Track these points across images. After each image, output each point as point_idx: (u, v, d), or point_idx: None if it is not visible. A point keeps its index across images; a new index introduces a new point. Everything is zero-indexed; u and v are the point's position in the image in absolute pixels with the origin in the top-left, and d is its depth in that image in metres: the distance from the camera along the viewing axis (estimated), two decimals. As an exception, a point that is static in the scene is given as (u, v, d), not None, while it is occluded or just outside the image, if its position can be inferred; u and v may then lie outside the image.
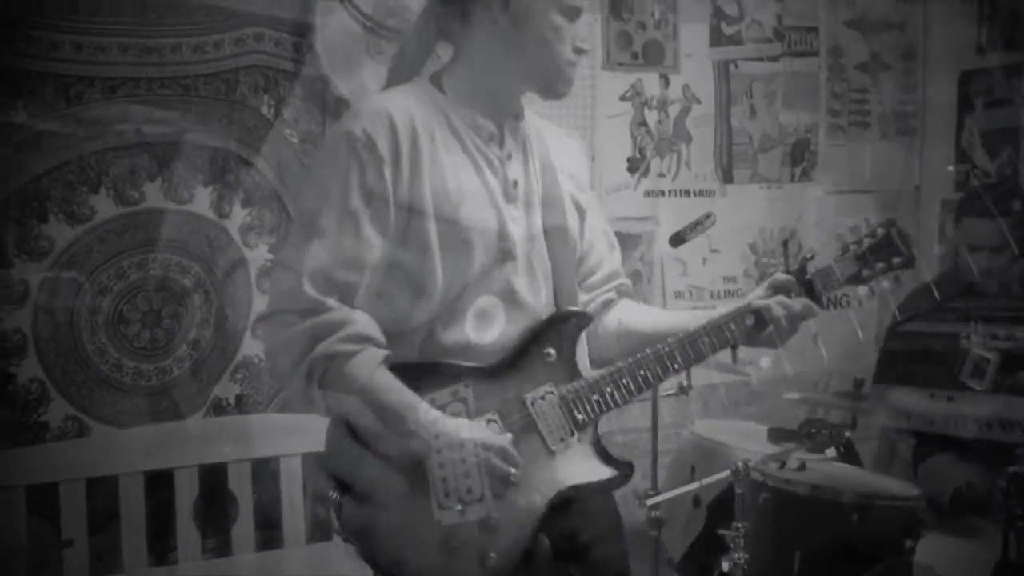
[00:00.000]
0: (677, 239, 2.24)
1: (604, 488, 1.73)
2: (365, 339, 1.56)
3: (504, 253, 1.67)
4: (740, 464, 2.22)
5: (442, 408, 1.60)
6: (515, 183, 1.72)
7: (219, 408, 2.54)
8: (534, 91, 1.72)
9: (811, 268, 1.76)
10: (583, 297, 1.82)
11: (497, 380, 1.66)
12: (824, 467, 2.41)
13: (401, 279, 1.64)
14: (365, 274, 1.59)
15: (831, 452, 2.42)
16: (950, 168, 3.53)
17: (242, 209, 2.50)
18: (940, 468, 2.61)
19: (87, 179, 2.35)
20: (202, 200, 2.47)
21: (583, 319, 1.74)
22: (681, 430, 2.85)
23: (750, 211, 3.29)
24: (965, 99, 3.56)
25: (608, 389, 1.68)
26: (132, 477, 2.35)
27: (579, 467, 1.67)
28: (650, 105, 3.09)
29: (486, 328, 1.68)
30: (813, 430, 2.45)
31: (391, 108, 1.62)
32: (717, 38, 3.20)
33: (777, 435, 2.55)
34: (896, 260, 1.76)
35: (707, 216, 2.32)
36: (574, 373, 1.69)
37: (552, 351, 1.69)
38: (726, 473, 2.25)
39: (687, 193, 3.18)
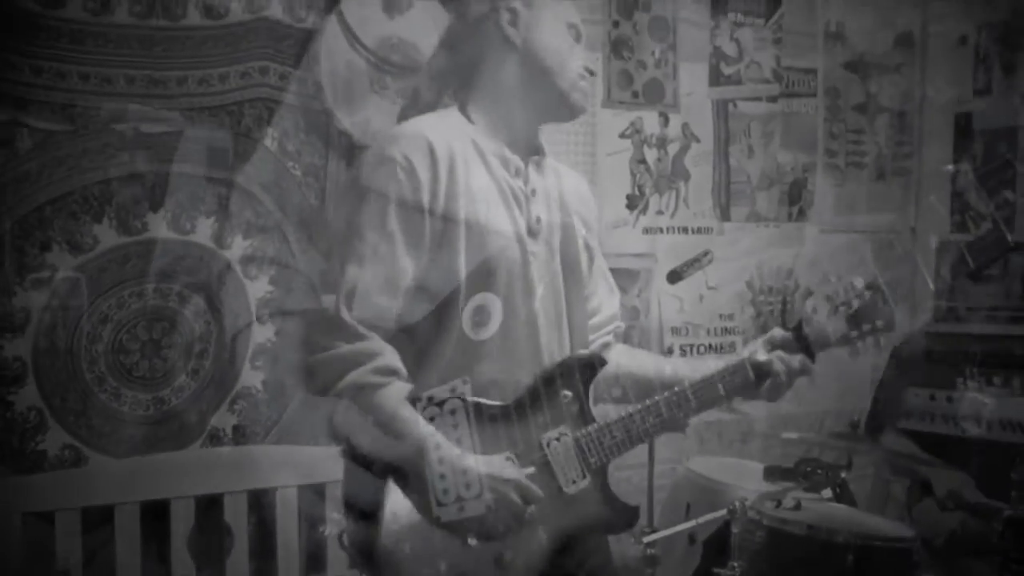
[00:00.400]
0: (675, 276, 2.25)
1: (610, 531, 1.76)
2: (392, 372, 1.59)
3: (526, 289, 1.70)
4: (737, 503, 2.23)
5: (439, 404, 1.63)
6: (538, 219, 1.74)
7: (216, 439, 2.53)
8: (552, 113, 1.78)
9: (806, 327, 1.80)
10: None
11: (514, 418, 1.68)
12: (820, 507, 2.41)
13: (425, 311, 1.66)
14: (399, 298, 1.62)
15: (827, 492, 2.43)
16: (948, 167, 3.53)
17: (243, 240, 2.51)
18: (935, 510, 2.62)
19: (90, 208, 2.36)
20: (204, 230, 2.47)
21: (599, 362, 1.76)
22: (676, 466, 2.85)
23: (747, 249, 3.32)
24: (960, 141, 3.60)
25: (620, 435, 1.71)
26: (128, 507, 2.34)
27: (588, 509, 1.69)
28: (650, 143, 3.12)
29: (484, 324, 1.69)
30: (809, 469, 2.46)
31: (429, 134, 1.65)
32: (716, 78, 3.23)
33: (773, 473, 2.56)
34: (880, 324, 1.80)
35: (705, 253, 2.34)
36: (587, 416, 1.71)
37: (569, 393, 1.71)
38: (723, 512, 2.26)
39: (685, 230, 3.20)
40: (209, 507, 2.47)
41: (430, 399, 1.63)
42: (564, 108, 1.76)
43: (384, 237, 1.60)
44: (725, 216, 3.29)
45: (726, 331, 3.27)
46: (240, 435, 2.57)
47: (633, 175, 3.11)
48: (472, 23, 1.75)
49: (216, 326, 2.50)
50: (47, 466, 2.32)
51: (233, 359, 2.53)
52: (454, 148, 1.66)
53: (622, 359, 1.88)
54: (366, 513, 1.60)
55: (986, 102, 3.49)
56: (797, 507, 2.36)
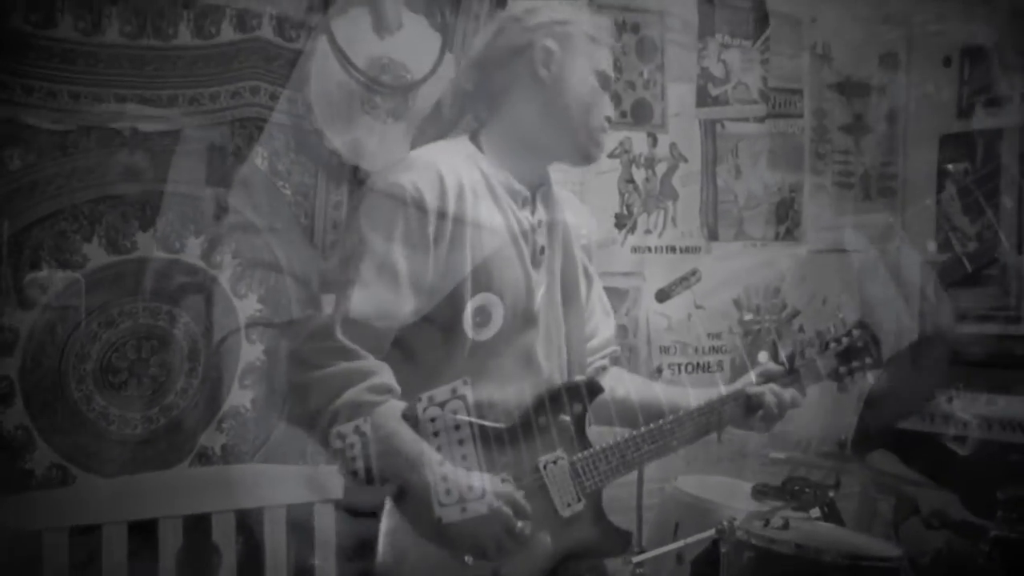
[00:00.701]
0: (663, 295, 2.26)
1: (603, 555, 1.77)
2: (388, 390, 1.59)
3: (528, 317, 1.71)
4: (725, 522, 2.23)
5: (440, 405, 1.63)
6: (542, 249, 1.76)
7: (205, 458, 2.53)
8: (565, 157, 1.80)
9: (798, 361, 1.86)
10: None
11: (511, 441, 1.70)
12: (808, 526, 2.42)
13: (428, 335, 1.67)
14: (396, 321, 1.63)
15: (815, 511, 2.43)
16: (949, 166, 3.54)
17: (233, 259, 2.51)
18: (921, 528, 2.63)
19: (80, 227, 2.36)
20: (193, 249, 2.48)
21: (597, 388, 1.77)
22: (665, 486, 2.86)
23: (735, 268, 3.33)
24: (945, 162, 3.62)
25: (615, 460, 1.73)
26: (116, 526, 2.33)
27: (582, 532, 1.71)
28: (638, 163, 3.13)
29: (485, 325, 1.70)
30: (797, 488, 2.47)
31: (440, 164, 1.66)
32: (704, 99, 3.26)
33: (761, 492, 2.56)
34: (868, 361, 1.87)
35: (693, 272, 2.35)
36: (584, 441, 1.73)
37: (567, 418, 1.73)
38: (711, 531, 2.26)
39: (673, 250, 3.22)
40: (197, 526, 2.46)
41: (431, 399, 1.63)
42: (577, 155, 1.78)
43: (387, 265, 1.61)
44: (713, 235, 3.31)
45: (714, 350, 3.29)
46: (229, 454, 2.57)
47: (621, 194, 3.13)
48: (505, 52, 1.76)
49: (205, 345, 2.50)
50: (34, 485, 2.31)
51: (222, 378, 2.53)
52: (463, 178, 1.67)
53: (617, 385, 1.91)
54: (363, 535, 1.62)
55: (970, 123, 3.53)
56: (785, 526, 2.36)
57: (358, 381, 1.57)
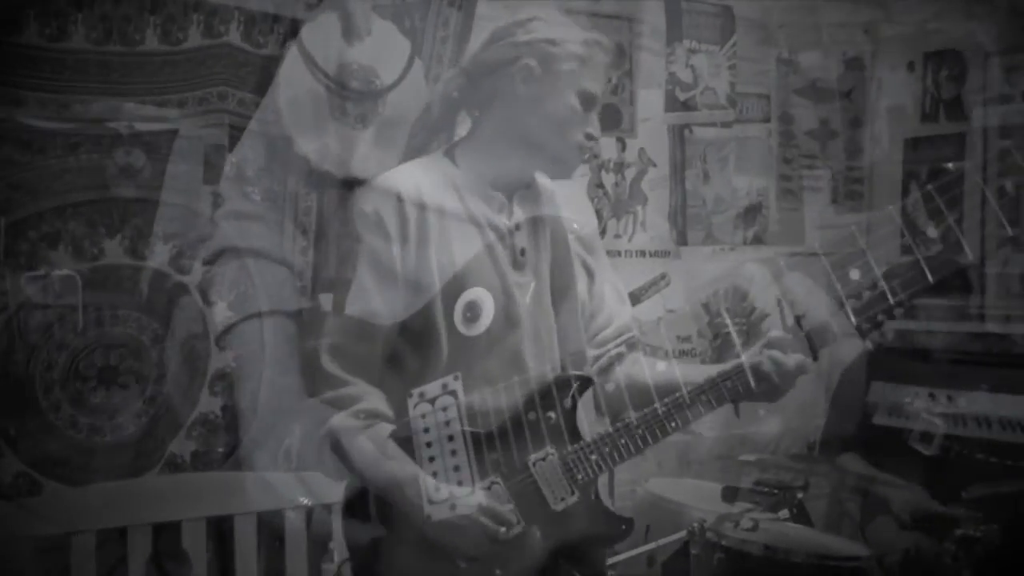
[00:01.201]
0: (633, 299, 2.27)
1: (605, 543, 1.78)
2: (375, 415, 1.65)
3: (511, 321, 1.72)
4: (696, 524, 2.25)
5: (431, 402, 1.65)
6: (523, 251, 1.77)
7: (174, 465, 2.51)
8: (541, 169, 1.81)
9: (806, 324, 1.76)
10: (594, 352, 1.86)
11: (500, 442, 1.70)
12: (777, 527, 2.44)
13: (411, 350, 1.70)
14: (377, 344, 1.69)
15: (784, 513, 2.46)
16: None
17: (202, 266, 2.50)
18: (890, 528, 2.65)
19: (46, 235, 2.35)
20: (161, 256, 2.46)
21: (585, 383, 1.75)
22: (636, 488, 2.87)
23: (704, 272, 3.35)
24: (910, 165, 3.66)
25: (607, 449, 1.71)
26: (84, 535, 2.32)
27: (580, 524, 1.71)
28: (607, 168, 3.15)
29: (475, 320, 1.71)
30: (766, 490, 2.49)
31: (400, 186, 1.71)
32: (672, 104, 3.27)
33: (731, 494, 2.58)
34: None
35: (662, 277, 2.36)
36: (574, 434, 1.72)
37: (553, 414, 1.72)
38: (682, 533, 2.28)
39: (643, 254, 3.23)
40: (167, 534, 2.45)
41: (422, 395, 1.65)
42: (550, 168, 1.80)
43: (359, 290, 1.69)
44: (682, 240, 3.32)
45: (683, 353, 3.30)
46: (199, 461, 2.55)
47: (591, 199, 3.14)
48: (491, 64, 1.79)
49: (174, 353, 2.49)
50: (1, 495, 2.29)
51: (191, 385, 2.51)
52: (427, 196, 1.71)
53: (631, 370, 1.88)
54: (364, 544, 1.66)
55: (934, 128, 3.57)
56: (755, 528, 2.38)
57: (346, 406, 1.64)
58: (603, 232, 3.24)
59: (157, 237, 2.43)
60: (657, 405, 1.71)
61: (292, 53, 2.52)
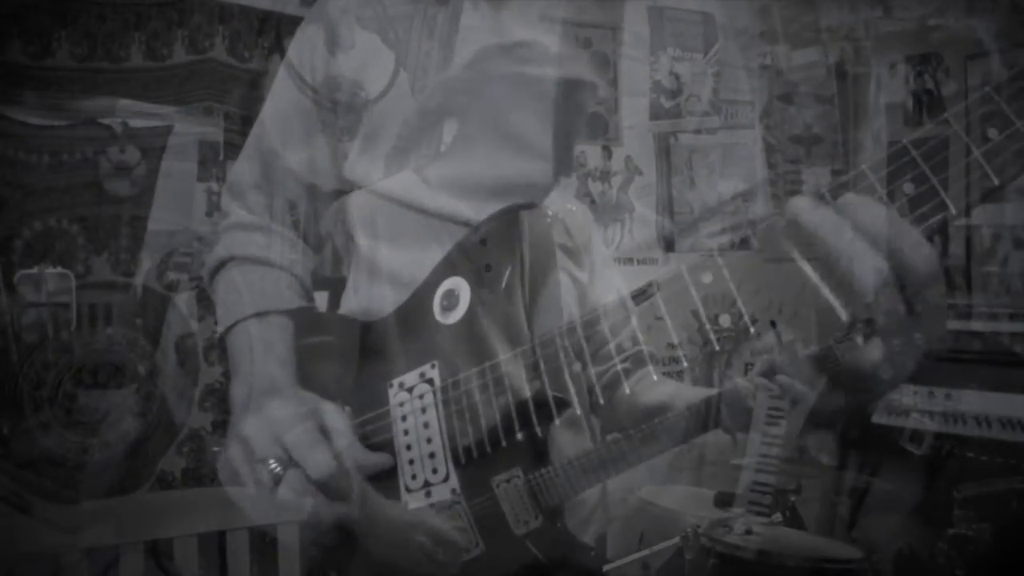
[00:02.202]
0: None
1: (565, 570, 1.75)
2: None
3: (473, 339, 1.71)
4: (689, 530, 2.25)
5: (409, 390, 1.66)
6: (488, 267, 1.75)
7: (165, 482, 2.50)
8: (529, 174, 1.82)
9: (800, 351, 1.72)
10: (597, 369, 1.77)
11: (470, 458, 1.66)
12: (770, 531, 2.43)
13: (391, 341, 1.72)
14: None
15: (777, 516, 2.45)
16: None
17: (190, 282, 2.49)
18: (881, 529, 2.66)
19: (34, 252, 2.34)
20: (149, 273, 2.46)
21: (561, 405, 1.70)
22: (629, 496, 2.86)
23: (692, 279, 3.34)
24: (895, 168, 3.68)
25: (575, 475, 1.70)
26: (74, 554, 2.30)
27: (541, 549, 1.68)
28: (594, 176, 3.16)
29: (452, 308, 1.70)
30: (758, 494, 2.48)
31: (352, 209, 1.82)
32: (657, 111, 3.29)
33: (723, 500, 2.57)
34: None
35: (650, 284, 2.36)
36: (543, 457, 1.70)
37: (521, 436, 1.66)
38: (675, 539, 2.27)
39: (631, 262, 3.24)
40: (158, 552, 2.43)
41: (401, 384, 1.66)
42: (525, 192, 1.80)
43: (353, 286, 1.79)
44: (669, 247, 3.33)
45: (673, 360, 3.29)
46: (189, 478, 2.55)
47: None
48: (469, 83, 1.83)
49: (163, 369, 2.48)
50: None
51: (181, 401, 2.51)
52: (380, 218, 1.79)
53: (636, 387, 1.88)
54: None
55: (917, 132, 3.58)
56: (748, 532, 2.38)
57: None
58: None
59: (148, 247, 2.43)
60: (633, 431, 1.72)
61: (276, 66, 2.51)
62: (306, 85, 2.29)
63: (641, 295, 2.32)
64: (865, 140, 3.77)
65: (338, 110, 2.19)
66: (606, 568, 2.46)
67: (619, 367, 1.90)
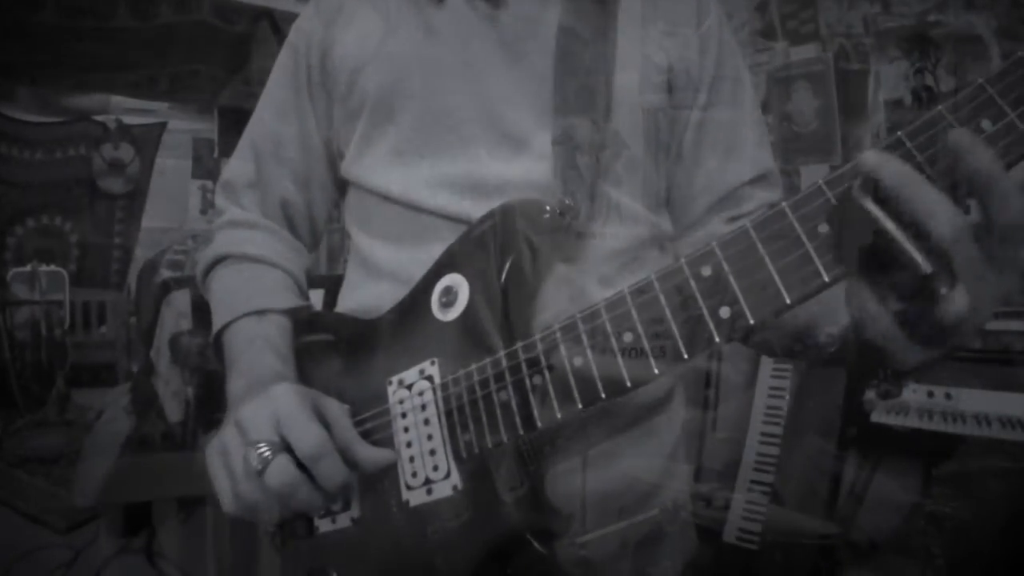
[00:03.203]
0: (606, 282, 2.26)
1: (546, 537, 1.76)
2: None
3: (473, 335, 1.71)
4: (669, 503, 2.26)
5: (408, 387, 1.68)
6: (487, 262, 1.77)
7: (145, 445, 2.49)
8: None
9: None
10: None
11: (472, 423, 1.71)
12: (749, 507, 2.45)
13: (389, 338, 1.79)
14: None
15: (756, 492, 2.47)
16: None
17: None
18: (855, 506, 2.67)
19: (26, 250, 2.33)
20: (143, 270, 2.44)
21: (544, 364, 1.70)
22: (609, 468, 2.86)
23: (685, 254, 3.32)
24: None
25: (561, 441, 1.76)
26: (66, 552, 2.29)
27: (524, 515, 1.73)
28: (582, 150, 3.13)
29: (451, 305, 1.70)
30: (758, 494, 2.50)
31: (347, 201, 2.04)
32: (647, 87, 3.22)
33: (704, 474, 2.59)
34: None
35: (635, 259, 2.35)
36: (530, 421, 1.70)
37: (506, 395, 1.69)
38: (655, 512, 2.28)
39: (616, 239, 3.20)
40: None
41: (400, 382, 1.69)
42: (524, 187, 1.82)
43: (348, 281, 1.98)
44: (657, 226, 3.29)
45: (657, 336, 3.28)
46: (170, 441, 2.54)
47: (564, 183, 3.11)
48: None
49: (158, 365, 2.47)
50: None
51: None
52: (375, 206, 1.94)
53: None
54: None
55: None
56: (727, 507, 2.39)
57: None
58: (576, 215, 3.21)
59: (141, 245, 2.42)
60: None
61: (263, 29, 2.49)
62: (303, 81, 2.29)
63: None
64: (864, 137, 3.76)
65: (334, 108, 2.20)
66: (583, 539, 2.47)
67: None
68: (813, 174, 3.76)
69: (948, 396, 2.63)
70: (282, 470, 1.59)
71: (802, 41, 3.72)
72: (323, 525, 1.80)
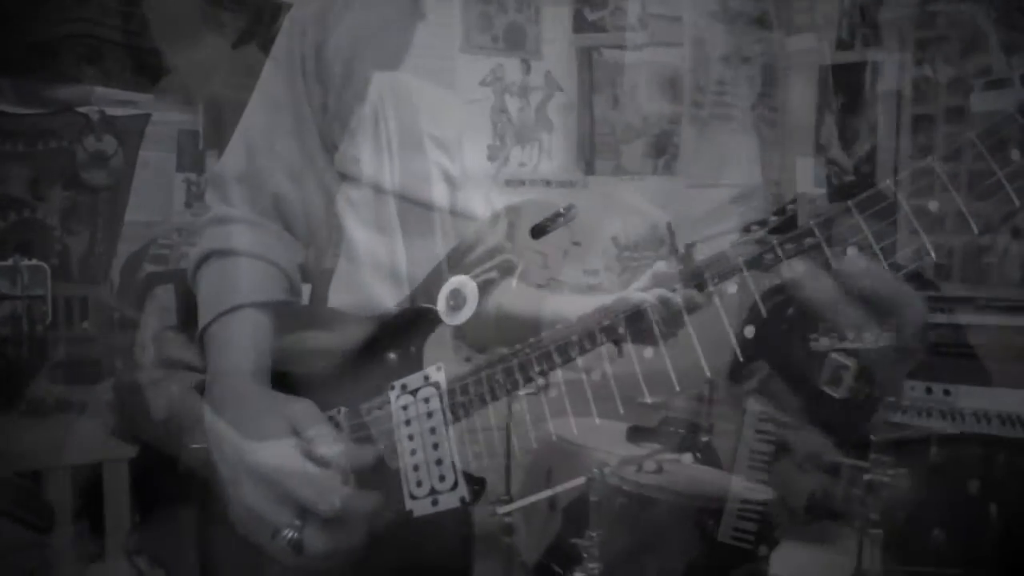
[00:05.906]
0: (538, 231, 2.19)
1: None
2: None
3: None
4: (596, 470, 2.19)
5: (413, 393, 1.59)
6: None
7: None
8: None
9: (698, 255, 1.61)
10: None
11: (332, 388, 1.61)
12: (682, 470, 2.39)
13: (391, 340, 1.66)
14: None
15: (687, 457, 2.41)
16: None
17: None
18: (793, 471, 2.63)
19: (8, 244, 2.23)
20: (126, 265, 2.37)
21: (434, 318, 1.64)
22: (537, 430, 2.79)
23: (612, 203, 3.25)
24: (824, 94, 3.64)
25: (459, 398, 1.60)
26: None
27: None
28: (511, 91, 3.01)
29: (459, 308, 1.62)
30: (672, 430, 2.43)
31: (340, 195, 1.85)
32: (580, 24, 3.13)
33: (636, 435, 2.52)
34: (809, 241, 1.40)
35: (569, 208, 2.29)
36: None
37: (394, 355, 1.62)
38: (581, 480, 2.21)
39: (548, 183, 3.11)
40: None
41: (404, 387, 1.59)
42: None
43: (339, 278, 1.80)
44: (590, 169, 3.20)
45: (591, 288, 3.21)
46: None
47: (494, 125, 3.00)
48: None
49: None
50: None
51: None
52: (370, 200, 1.82)
53: (504, 299, 1.86)
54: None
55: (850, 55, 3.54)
56: (658, 471, 2.33)
57: None
58: (507, 160, 3.11)
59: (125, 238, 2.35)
60: (521, 347, 1.60)
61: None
62: (298, 71, 2.23)
63: (558, 219, 2.23)
64: (861, 128, 3.72)
65: (329, 99, 2.11)
66: (504, 509, 2.39)
67: (482, 277, 1.84)
68: (807, 166, 3.79)
69: (947, 392, 2.62)
70: (315, 539, 1.52)
71: (798, 31, 3.70)
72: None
